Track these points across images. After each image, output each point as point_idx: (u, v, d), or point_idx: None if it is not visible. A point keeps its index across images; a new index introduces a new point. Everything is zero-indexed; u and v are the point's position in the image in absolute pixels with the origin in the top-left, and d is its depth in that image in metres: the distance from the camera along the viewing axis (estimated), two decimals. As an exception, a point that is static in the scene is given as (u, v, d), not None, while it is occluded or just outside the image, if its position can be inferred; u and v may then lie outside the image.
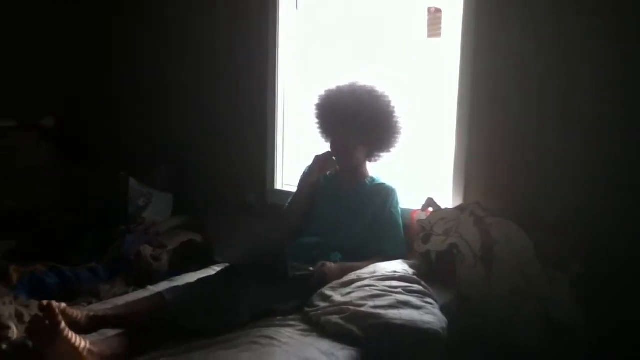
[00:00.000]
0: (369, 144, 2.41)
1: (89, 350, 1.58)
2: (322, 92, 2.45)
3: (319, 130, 2.52)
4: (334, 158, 2.43)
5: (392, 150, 2.45)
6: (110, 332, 1.74)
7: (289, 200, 2.57)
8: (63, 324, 1.56)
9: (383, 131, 2.39)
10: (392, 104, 2.38)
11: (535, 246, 2.12)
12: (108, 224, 2.85)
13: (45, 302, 1.56)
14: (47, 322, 1.54)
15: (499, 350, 2.04)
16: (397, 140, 2.42)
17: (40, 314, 1.56)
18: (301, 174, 2.55)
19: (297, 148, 3.01)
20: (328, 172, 2.50)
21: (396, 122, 2.39)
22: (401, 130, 2.41)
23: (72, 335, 1.57)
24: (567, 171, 2.22)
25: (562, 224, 2.20)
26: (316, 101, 2.47)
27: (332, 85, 2.44)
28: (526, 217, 2.20)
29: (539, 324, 2.05)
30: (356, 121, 2.33)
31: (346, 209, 2.42)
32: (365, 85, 2.38)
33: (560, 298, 2.06)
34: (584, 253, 2.12)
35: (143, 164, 3.29)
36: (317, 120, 2.50)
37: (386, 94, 2.38)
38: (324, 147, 2.51)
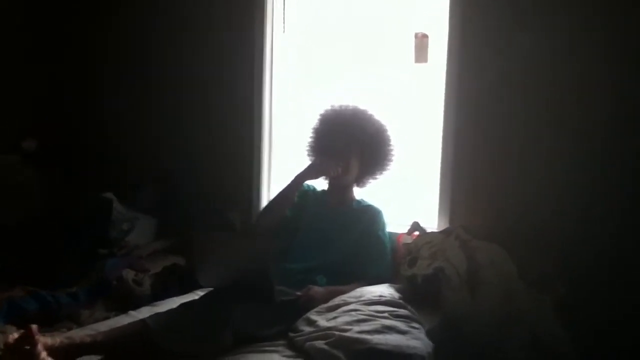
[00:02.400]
0: (363, 165, 2.45)
1: (68, 378, 1.54)
2: (327, 109, 2.51)
3: (315, 146, 2.53)
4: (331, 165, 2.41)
5: (379, 177, 2.51)
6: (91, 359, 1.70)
7: (272, 199, 2.53)
8: (44, 353, 1.52)
9: (378, 158, 2.46)
10: (391, 136, 2.47)
11: (519, 267, 2.13)
12: (87, 245, 2.80)
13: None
14: (26, 347, 1.50)
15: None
16: (386, 169, 2.49)
17: (18, 339, 1.52)
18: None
19: (283, 170, 3.00)
20: (317, 186, 2.52)
21: (391, 152, 2.47)
22: (392, 162, 2.49)
23: (50, 362, 1.53)
24: (550, 194, 2.26)
25: (546, 245, 2.23)
26: (320, 115, 2.52)
27: (336, 104, 2.50)
28: (511, 238, 2.23)
29: (525, 345, 2.04)
30: (359, 138, 2.40)
31: (333, 229, 2.42)
32: (367, 110, 2.47)
33: (545, 318, 2.06)
34: (567, 273, 2.14)
35: (130, 184, 3.25)
36: (315, 135, 2.52)
37: (387, 125, 2.47)
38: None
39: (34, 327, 1.56)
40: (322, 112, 2.53)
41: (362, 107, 2.48)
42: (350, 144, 2.40)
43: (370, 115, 2.45)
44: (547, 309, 2.05)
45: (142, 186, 3.24)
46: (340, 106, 2.49)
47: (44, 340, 1.60)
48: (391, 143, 2.47)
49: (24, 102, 3.55)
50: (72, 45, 3.67)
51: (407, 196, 2.66)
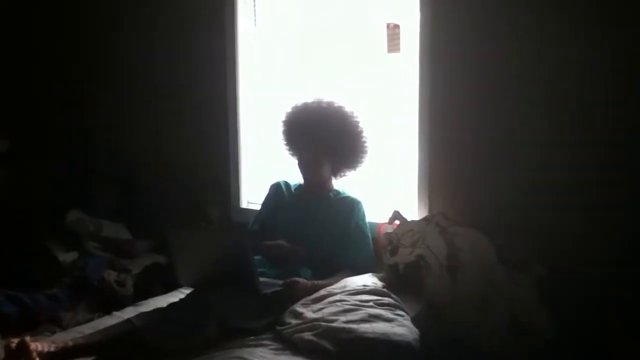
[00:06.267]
0: (335, 160, 2.44)
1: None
2: (291, 108, 2.47)
3: (285, 146, 2.53)
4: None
5: (357, 168, 2.48)
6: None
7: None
8: None
9: (350, 149, 2.43)
10: (360, 124, 2.42)
11: (497, 251, 2.18)
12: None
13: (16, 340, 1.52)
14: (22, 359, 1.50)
15: (468, 355, 2.07)
16: (362, 159, 2.47)
17: (13, 348, 1.51)
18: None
19: (262, 165, 3.00)
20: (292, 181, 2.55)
21: (363, 142, 2.44)
22: (367, 150, 2.45)
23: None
24: (525, 179, 2.30)
25: (523, 229, 2.27)
26: (284, 117, 2.49)
27: (301, 101, 2.47)
28: (488, 223, 2.27)
29: (505, 327, 2.09)
30: (324, 137, 2.36)
31: (312, 223, 2.42)
32: (333, 103, 2.42)
33: (524, 300, 2.10)
34: (544, 255, 2.19)
35: (93, 186, 3.25)
36: (284, 136, 2.51)
37: (354, 113, 2.42)
38: (290, 162, 2.54)
39: (27, 339, 1.56)
40: (288, 109, 2.48)
41: (328, 100, 2.42)
42: (316, 142, 2.37)
43: (338, 108, 2.41)
44: (525, 288, 2.10)
45: (103, 187, 3.24)
46: (306, 103, 2.45)
47: (36, 348, 1.59)
48: (362, 134, 2.43)
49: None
50: (45, 45, 3.60)
51: (387, 186, 2.67)
